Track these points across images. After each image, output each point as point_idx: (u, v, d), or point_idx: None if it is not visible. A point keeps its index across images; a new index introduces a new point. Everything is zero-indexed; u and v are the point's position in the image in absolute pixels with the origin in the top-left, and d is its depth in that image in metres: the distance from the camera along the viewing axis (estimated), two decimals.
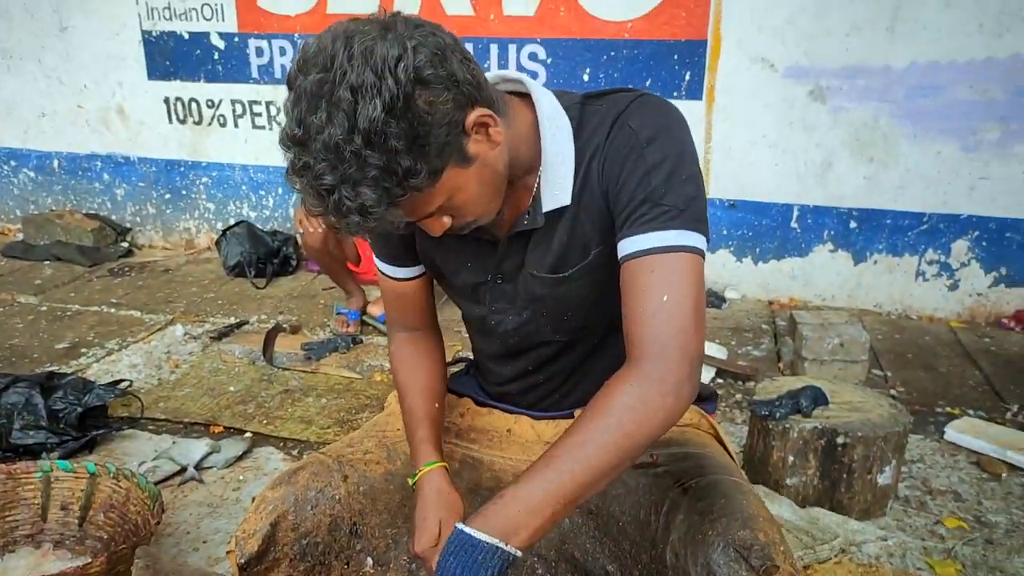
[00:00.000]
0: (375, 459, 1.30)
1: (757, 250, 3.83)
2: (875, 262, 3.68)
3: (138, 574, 1.32)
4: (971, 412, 2.73)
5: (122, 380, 2.72)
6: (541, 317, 1.17)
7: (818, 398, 2.17)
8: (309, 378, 2.95)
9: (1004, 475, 2.31)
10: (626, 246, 1.01)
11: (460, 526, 0.91)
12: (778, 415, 2.12)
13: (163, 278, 4.20)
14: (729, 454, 1.26)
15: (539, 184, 1.07)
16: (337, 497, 1.23)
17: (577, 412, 1.31)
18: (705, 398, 1.38)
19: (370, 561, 1.25)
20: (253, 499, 2.13)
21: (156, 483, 2.16)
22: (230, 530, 1.97)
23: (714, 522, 1.00)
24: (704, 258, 1.02)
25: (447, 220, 1.01)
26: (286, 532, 1.20)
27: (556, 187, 1.06)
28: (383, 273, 1.29)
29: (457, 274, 1.20)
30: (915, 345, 3.36)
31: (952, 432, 2.51)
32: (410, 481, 1.17)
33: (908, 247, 3.61)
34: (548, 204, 1.07)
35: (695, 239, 1.00)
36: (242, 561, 1.17)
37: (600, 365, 1.23)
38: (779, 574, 0.95)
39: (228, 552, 1.24)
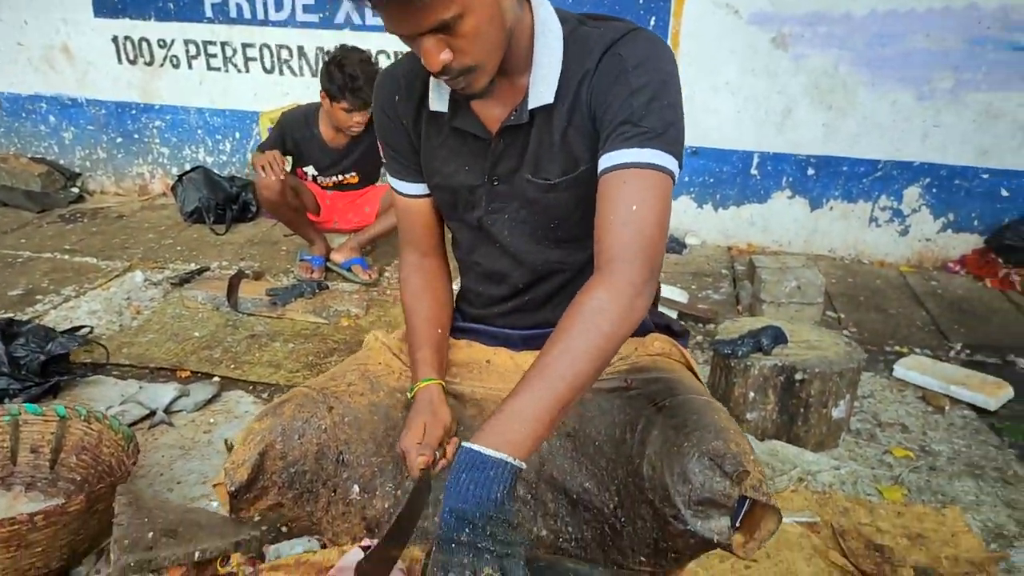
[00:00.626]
0: (358, 391, 1.32)
1: (717, 196, 3.90)
2: (831, 208, 3.78)
3: (121, 510, 1.32)
4: (918, 350, 2.86)
5: (83, 326, 2.68)
6: (534, 219, 1.23)
7: (778, 337, 2.25)
8: (275, 323, 2.94)
9: (947, 408, 2.44)
10: (604, 161, 1.08)
11: (467, 444, 0.94)
12: (740, 353, 2.19)
13: (117, 224, 4.10)
14: (698, 379, 1.32)
15: (529, 84, 1.14)
16: (323, 427, 1.26)
17: None
18: (678, 333, 1.44)
19: (356, 488, 1.28)
20: (225, 441, 2.15)
21: None
22: (204, 471, 1.98)
23: (689, 435, 1.06)
24: (674, 182, 1.10)
25: (447, 56, 1.03)
26: (274, 461, 1.23)
27: (542, 86, 1.13)
28: (397, 191, 1.35)
29: (455, 176, 1.25)
30: (867, 288, 3.48)
31: (900, 369, 2.64)
32: (408, 395, 1.22)
33: (862, 194, 3.72)
34: (533, 102, 1.14)
35: (668, 161, 1.07)
36: (232, 489, 1.20)
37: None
38: (749, 479, 1.01)
39: (215, 485, 1.26)
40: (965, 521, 1.87)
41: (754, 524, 1.07)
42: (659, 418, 1.15)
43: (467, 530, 0.88)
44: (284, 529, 1.59)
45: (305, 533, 1.34)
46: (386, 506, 1.29)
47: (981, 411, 2.42)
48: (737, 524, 1.07)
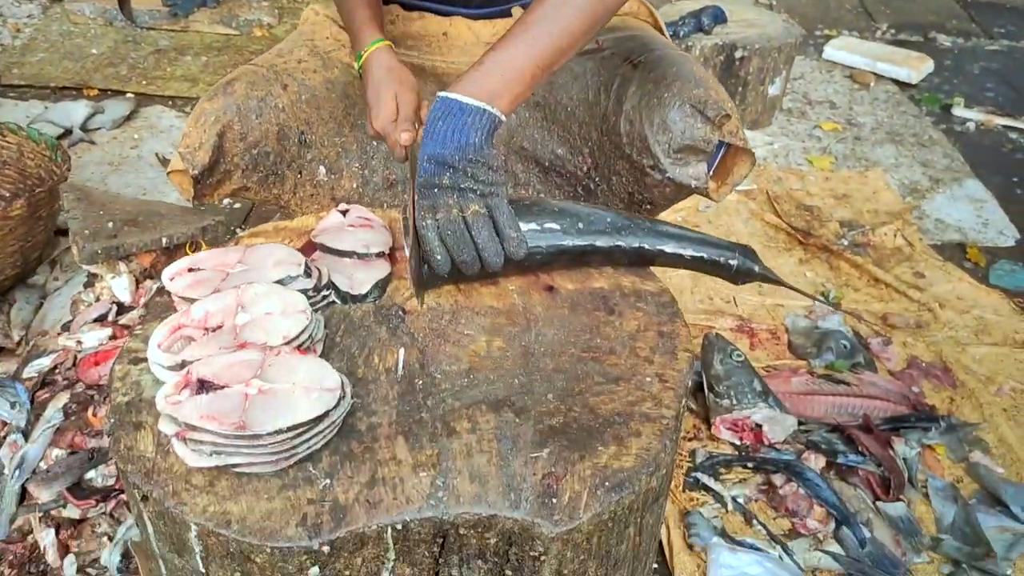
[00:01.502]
0: (311, 68, 1.24)
1: None
2: None
3: (71, 205, 1.28)
4: (846, 32, 2.88)
5: None
6: None
7: (718, 16, 2.21)
8: (180, 37, 2.68)
9: (872, 84, 2.52)
10: None
11: (444, 93, 0.89)
12: (682, 34, 2.15)
13: None
14: (666, 37, 1.29)
15: None
16: (280, 106, 1.20)
17: (516, 10, 1.28)
18: None
19: (323, 170, 1.26)
20: (156, 155, 2.05)
21: None
22: (141, 184, 1.91)
23: (669, 86, 1.06)
24: None
25: None
26: (234, 142, 1.17)
27: None
28: None
29: None
30: None
31: (829, 50, 2.67)
32: (356, 65, 1.13)
33: None
34: None
35: None
36: (195, 173, 1.15)
37: None
38: (729, 124, 1.04)
39: (171, 172, 1.21)
40: (885, 181, 2.02)
41: (727, 170, 1.12)
42: (635, 74, 1.13)
43: (448, 174, 0.86)
44: (239, 231, 1.58)
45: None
46: (354, 185, 1.28)
47: (903, 85, 2.52)
48: (711, 172, 1.11)
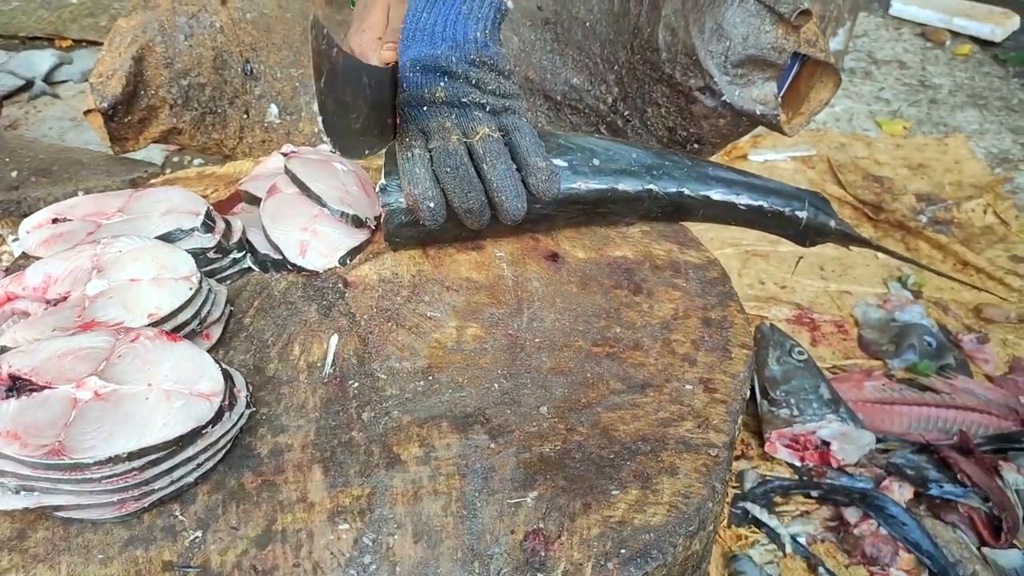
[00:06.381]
0: None
1: None
2: None
3: None
4: None
5: None
6: None
7: None
8: None
9: (948, 42, 2.20)
10: None
11: None
12: None
13: None
14: None
15: None
16: (217, 26, 0.95)
17: None
18: None
19: (275, 109, 1.00)
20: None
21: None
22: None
23: None
24: None
25: None
26: (156, 69, 0.93)
27: None
28: None
29: None
30: None
31: (898, 5, 2.34)
32: None
33: None
34: None
35: None
36: (105, 106, 0.91)
37: None
38: (808, 27, 0.76)
39: (86, 112, 0.97)
40: (969, 149, 1.71)
41: (799, 95, 0.84)
42: None
43: (442, 83, 0.61)
44: None
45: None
46: (316, 130, 1.02)
47: (985, 43, 2.19)
48: (780, 96, 0.84)
